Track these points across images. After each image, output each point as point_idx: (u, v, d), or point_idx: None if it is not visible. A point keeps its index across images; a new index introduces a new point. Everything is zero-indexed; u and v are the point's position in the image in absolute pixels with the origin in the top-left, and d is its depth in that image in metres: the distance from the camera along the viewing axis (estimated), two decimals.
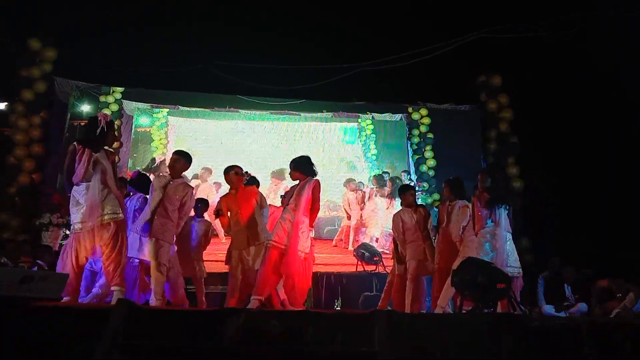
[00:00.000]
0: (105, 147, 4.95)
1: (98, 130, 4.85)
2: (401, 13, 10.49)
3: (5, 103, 9.91)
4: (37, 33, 9.03)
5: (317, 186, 5.34)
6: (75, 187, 4.86)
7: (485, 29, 9.81)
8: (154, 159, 10.68)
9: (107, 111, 10.90)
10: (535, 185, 9.79)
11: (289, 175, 5.60)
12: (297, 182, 5.47)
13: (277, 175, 10.24)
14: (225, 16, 10.12)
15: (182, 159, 5.50)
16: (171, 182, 5.36)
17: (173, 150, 5.78)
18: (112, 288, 4.83)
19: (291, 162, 5.51)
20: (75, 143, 4.91)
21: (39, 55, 8.99)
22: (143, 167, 10.33)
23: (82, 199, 4.80)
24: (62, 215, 8.92)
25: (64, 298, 4.54)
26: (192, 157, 5.67)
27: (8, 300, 3.71)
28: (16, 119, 8.73)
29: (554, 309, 6.95)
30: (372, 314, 3.75)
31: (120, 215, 4.89)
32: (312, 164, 5.49)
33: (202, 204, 6.71)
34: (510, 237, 5.58)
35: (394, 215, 6.49)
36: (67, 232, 9.03)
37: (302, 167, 5.45)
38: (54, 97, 9.43)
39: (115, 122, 10.91)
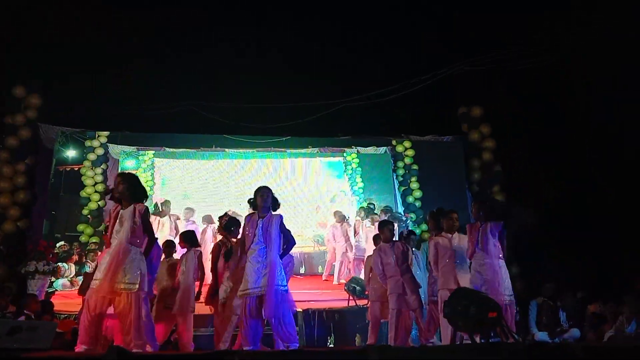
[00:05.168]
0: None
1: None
2: (383, 47, 10.73)
3: None
4: (21, 80, 9.06)
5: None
6: None
7: (464, 61, 10.11)
8: (156, 204, 10.47)
9: (92, 156, 10.91)
10: (520, 212, 9.84)
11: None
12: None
13: None
14: (207, 57, 10.25)
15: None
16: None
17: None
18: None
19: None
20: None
21: (24, 102, 9.00)
22: None
23: None
24: (48, 263, 8.78)
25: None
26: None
27: None
28: (0, 166, 8.67)
29: (547, 336, 6.93)
30: (364, 349, 3.74)
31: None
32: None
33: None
34: (503, 264, 5.54)
35: (373, 251, 6.48)
36: (53, 279, 8.90)
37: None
38: (39, 144, 9.39)
39: (101, 167, 10.97)
